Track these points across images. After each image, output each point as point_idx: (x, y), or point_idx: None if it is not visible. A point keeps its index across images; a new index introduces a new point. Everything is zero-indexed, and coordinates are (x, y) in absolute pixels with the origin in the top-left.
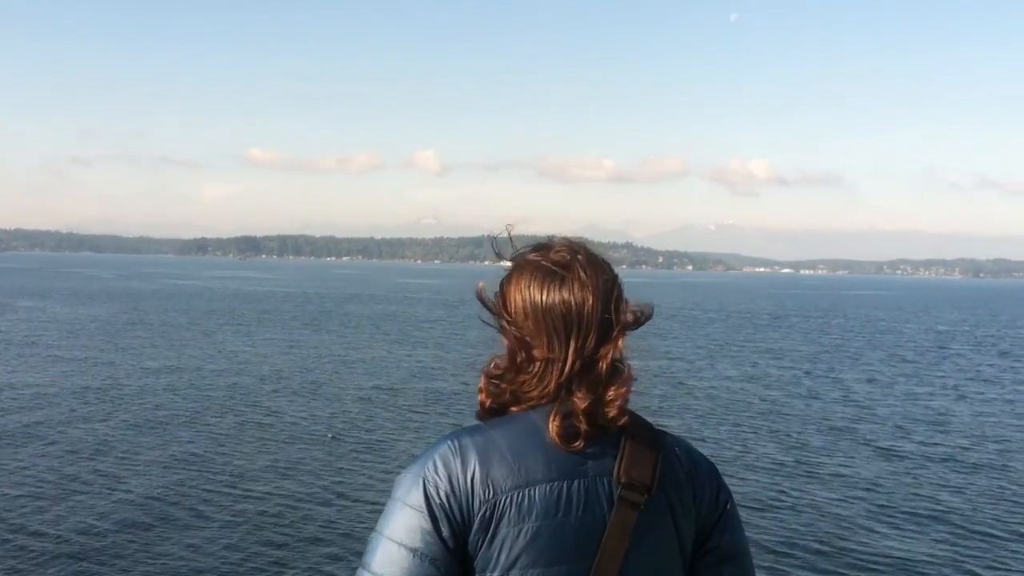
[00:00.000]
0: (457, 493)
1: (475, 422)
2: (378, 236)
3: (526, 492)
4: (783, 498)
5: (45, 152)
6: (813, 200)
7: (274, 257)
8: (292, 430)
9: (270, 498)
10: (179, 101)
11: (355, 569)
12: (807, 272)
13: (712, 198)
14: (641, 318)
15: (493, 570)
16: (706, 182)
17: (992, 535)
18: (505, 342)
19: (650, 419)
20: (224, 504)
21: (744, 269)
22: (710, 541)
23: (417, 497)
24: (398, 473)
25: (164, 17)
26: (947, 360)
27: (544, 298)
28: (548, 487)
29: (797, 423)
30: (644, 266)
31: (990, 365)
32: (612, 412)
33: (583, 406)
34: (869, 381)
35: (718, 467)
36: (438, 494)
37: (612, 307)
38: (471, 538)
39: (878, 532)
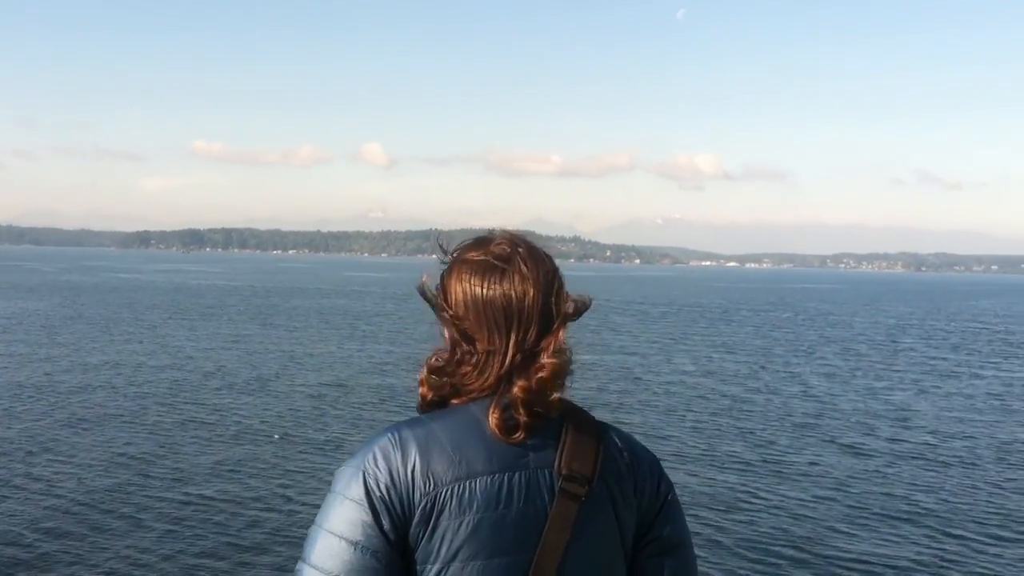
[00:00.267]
0: (397, 486)
1: (416, 414)
2: (325, 229)
3: (467, 484)
4: (753, 498)
5: None
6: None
7: (219, 250)
8: (238, 429)
9: (214, 503)
10: (122, 93)
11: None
12: (752, 265)
13: (659, 192)
14: (581, 309)
15: (434, 562)
16: (653, 176)
17: (966, 536)
18: (446, 335)
19: (610, 416)
20: (165, 511)
21: (691, 263)
22: (651, 532)
23: (357, 490)
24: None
25: (106, 6)
26: (901, 354)
27: (484, 291)
28: (489, 479)
29: (759, 419)
30: (592, 260)
31: (944, 359)
32: (553, 403)
33: (523, 398)
34: (827, 376)
35: (684, 465)
36: (378, 487)
37: (553, 299)
38: (412, 531)
39: (851, 533)
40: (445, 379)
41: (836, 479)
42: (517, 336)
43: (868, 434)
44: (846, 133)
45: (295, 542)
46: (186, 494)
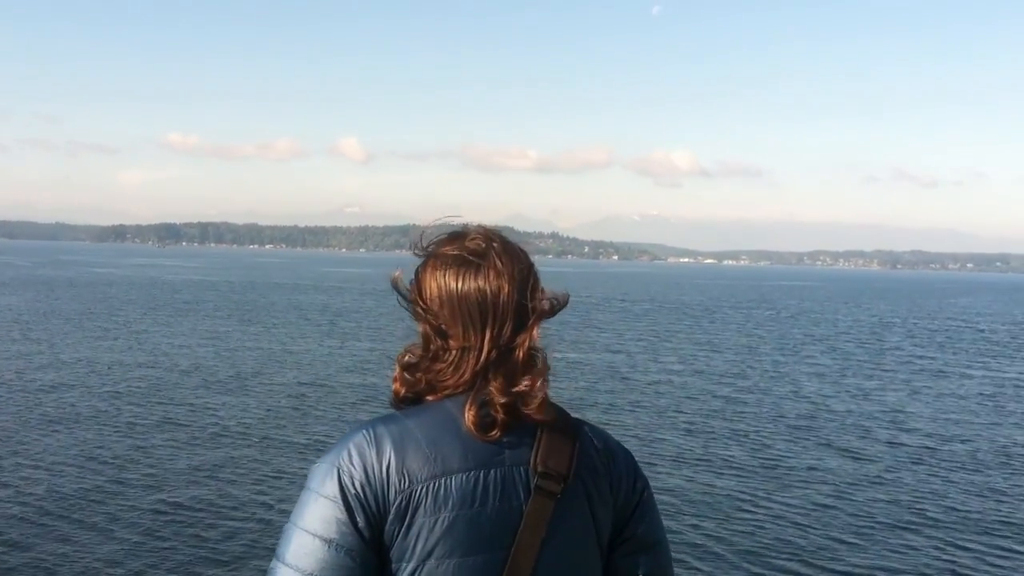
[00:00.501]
0: (372, 483)
1: (390, 411)
2: (302, 224)
3: (442, 482)
4: (753, 506)
5: None
6: (735, 192)
7: (195, 244)
8: (216, 430)
9: (190, 511)
10: (96, 86)
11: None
12: (730, 262)
13: (637, 189)
14: (557, 306)
15: (409, 560)
16: (631, 173)
17: (975, 548)
18: (420, 330)
19: (601, 417)
20: (138, 521)
21: (668, 259)
22: (627, 530)
23: (332, 487)
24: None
25: None
26: (888, 353)
27: (459, 286)
28: (464, 476)
29: (753, 421)
30: (570, 256)
31: (931, 358)
32: (529, 401)
33: (499, 395)
34: (817, 376)
35: (680, 470)
36: (353, 484)
37: (528, 295)
38: (387, 528)
39: (856, 544)
40: (420, 375)
41: (837, 485)
42: (492, 332)
43: (865, 437)
44: (822, 131)
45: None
46: (161, 501)
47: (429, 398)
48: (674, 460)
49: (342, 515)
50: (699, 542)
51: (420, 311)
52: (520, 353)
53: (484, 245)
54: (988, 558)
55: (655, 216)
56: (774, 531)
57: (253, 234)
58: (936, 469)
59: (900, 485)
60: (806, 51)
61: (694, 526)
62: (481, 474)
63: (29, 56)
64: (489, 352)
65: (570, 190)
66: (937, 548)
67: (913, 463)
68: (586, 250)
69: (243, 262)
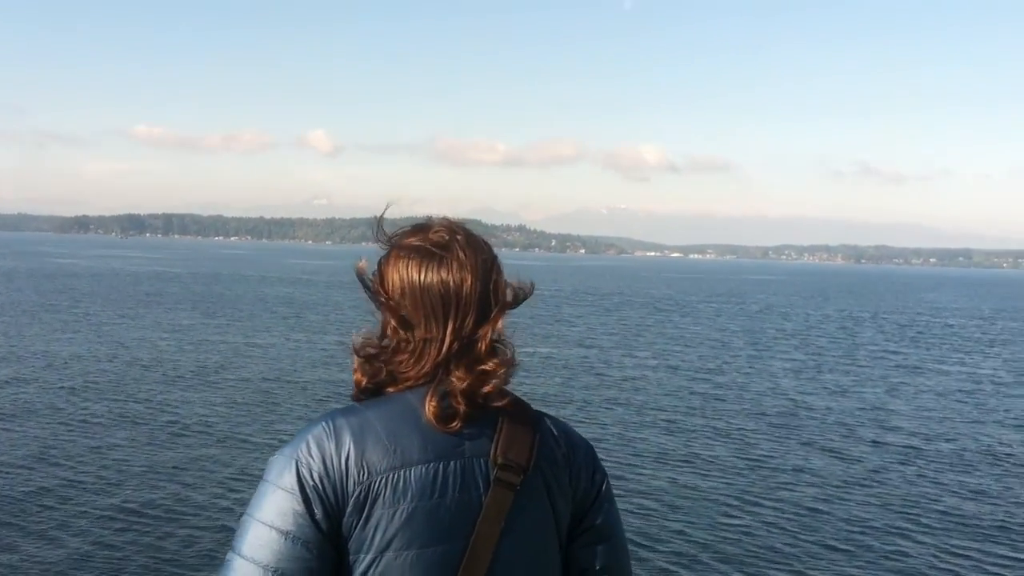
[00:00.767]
0: (331, 475)
1: (350, 403)
2: (268, 216)
3: (401, 473)
4: (740, 511)
5: None
6: (702, 186)
7: (159, 236)
8: (177, 427)
9: (149, 514)
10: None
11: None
12: (696, 256)
13: (604, 182)
14: (520, 297)
15: (367, 552)
16: (599, 167)
17: (975, 557)
18: (382, 321)
19: (578, 414)
20: (87, 529)
21: (636, 253)
22: (585, 521)
23: (290, 479)
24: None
25: None
26: (862, 348)
27: (422, 278)
28: (424, 468)
29: (735, 418)
30: (538, 249)
31: (905, 353)
32: (490, 392)
33: (461, 386)
34: (793, 372)
35: (665, 472)
36: (311, 476)
37: (491, 287)
38: (345, 520)
39: (849, 551)
40: (380, 366)
41: (825, 488)
42: (455, 324)
43: (848, 436)
44: (788, 126)
45: None
46: (115, 506)
47: (390, 389)
48: (657, 460)
49: (299, 507)
50: (684, 549)
51: (383, 302)
52: (482, 345)
53: (448, 237)
54: (986, 565)
55: (623, 210)
56: (763, 537)
57: (218, 226)
58: (925, 470)
59: (889, 487)
60: (774, 48)
61: (680, 532)
62: (440, 466)
63: None
64: (451, 344)
65: (538, 184)
66: (934, 555)
67: (901, 463)
68: (553, 243)
69: (208, 254)
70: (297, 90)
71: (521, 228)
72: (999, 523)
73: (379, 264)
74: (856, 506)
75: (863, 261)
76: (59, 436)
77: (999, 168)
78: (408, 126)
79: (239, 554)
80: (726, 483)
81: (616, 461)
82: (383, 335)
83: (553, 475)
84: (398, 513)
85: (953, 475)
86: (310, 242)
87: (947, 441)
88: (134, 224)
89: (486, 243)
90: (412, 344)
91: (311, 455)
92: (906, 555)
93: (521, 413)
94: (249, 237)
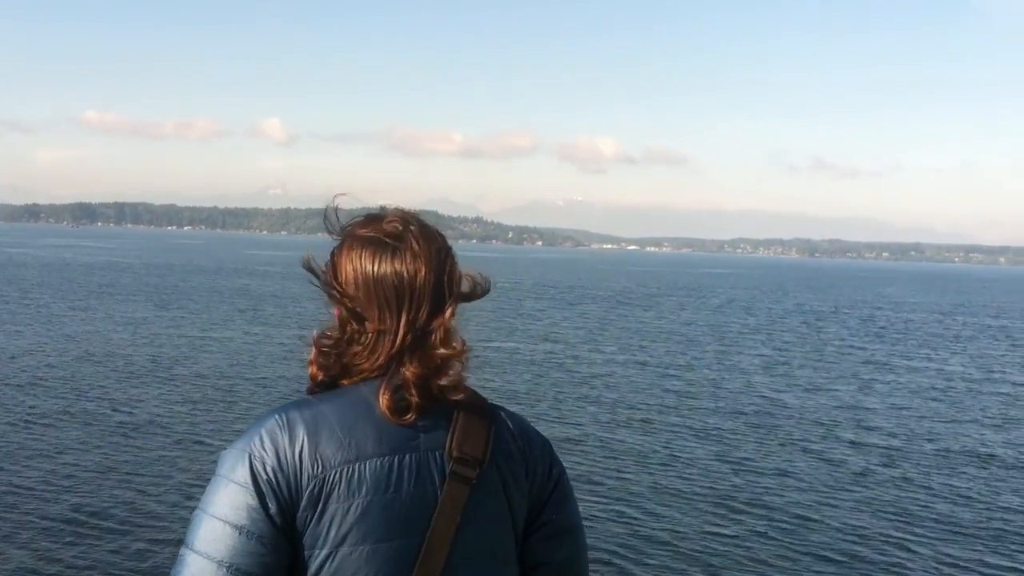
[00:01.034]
0: (285, 469)
1: (303, 395)
2: (222, 205)
3: (356, 467)
4: (729, 520)
5: None
6: (658, 179)
7: (111, 225)
8: (133, 426)
9: (102, 524)
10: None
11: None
12: (652, 249)
13: (561, 174)
14: (476, 289)
15: (322, 547)
16: (555, 159)
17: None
18: (335, 313)
19: (550, 412)
20: (36, 541)
21: (592, 245)
22: (543, 515)
23: (243, 473)
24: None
25: None
26: (829, 344)
27: (376, 269)
28: (379, 462)
29: (711, 418)
30: (495, 241)
31: (873, 349)
32: (445, 384)
33: (414, 378)
34: (764, 368)
35: (645, 472)
36: (265, 470)
37: (445, 278)
38: (299, 515)
39: (842, 562)
40: (335, 359)
41: (811, 492)
42: (408, 315)
43: (828, 437)
44: (744, 120)
45: None
46: (68, 511)
47: (344, 382)
48: (637, 463)
49: (253, 501)
50: (670, 557)
51: (335, 294)
52: (436, 336)
53: (401, 228)
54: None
55: (579, 202)
56: (752, 546)
57: (171, 215)
58: (910, 473)
59: (877, 491)
60: (730, 42)
61: (664, 541)
62: (396, 459)
63: None
64: (405, 335)
65: (495, 175)
66: (933, 567)
67: (884, 466)
68: (510, 235)
69: (162, 244)
70: (252, 78)
71: (478, 220)
72: (995, 532)
73: (332, 255)
74: (846, 512)
75: (817, 255)
76: (4, 437)
77: (949, 163)
78: (364, 116)
79: (192, 549)
80: (710, 488)
81: (594, 463)
82: (338, 327)
83: (509, 469)
84: (353, 507)
85: (941, 479)
86: (265, 232)
87: (929, 441)
88: (86, 213)
89: (440, 234)
90: (366, 336)
91: (264, 449)
92: (903, 566)
93: (477, 406)
94: (203, 227)
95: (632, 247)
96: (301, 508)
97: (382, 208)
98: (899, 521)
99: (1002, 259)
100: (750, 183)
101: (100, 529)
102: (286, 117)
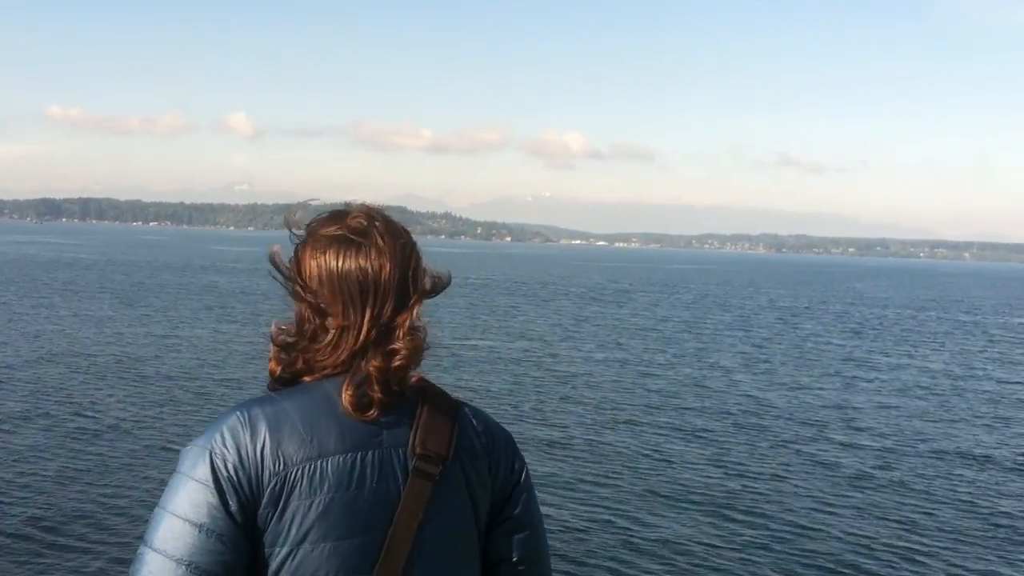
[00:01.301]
0: (246, 466)
1: (265, 392)
2: (188, 201)
3: (318, 464)
4: (731, 533)
5: None
6: (626, 174)
7: (75, 221)
8: (99, 428)
9: (66, 529)
10: None
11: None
12: (621, 245)
13: (530, 170)
14: (439, 285)
15: (283, 544)
16: (524, 154)
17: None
18: (298, 309)
19: (536, 414)
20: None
21: (561, 241)
22: (504, 511)
23: (204, 471)
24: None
25: None
26: (807, 341)
27: (340, 265)
28: (341, 458)
29: (698, 418)
30: (463, 237)
31: (852, 346)
32: (407, 380)
33: (377, 374)
34: (746, 366)
35: (637, 476)
36: (226, 467)
37: (410, 274)
38: (260, 512)
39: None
40: (296, 355)
41: (811, 500)
42: (372, 311)
43: (819, 439)
44: (710, 116)
45: None
46: (28, 519)
47: (307, 379)
48: (627, 466)
49: (214, 499)
50: (668, 572)
51: (299, 290)
52: (400, 332)
53: (366, 223)
54: None
55: (548, 197)
56: (754, 557)
57: (137, 211)
58: (907, 477)
59: (878, 497)
60: (694, 38)
61: (658, 550)
62: (358, 456)
63: None
64: (368, 331)
65: (463, 170)
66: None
67: (881, 469)
68: (479, 231)
69: (127, 239)
70: (217, 72)
71: (447, 215)
72: (1001, 539)
73: (295, 251)
74: (848, 520)
75: (784, 250)
76: None
77: (913, 159)
78: (331, 110)
79: (151, 547)
80: (702, 492)
81: (581, 465)
82: (300, 323)
83: (472, 465)
84: (315, 504)
85: (941, 483)
86: (232, 228)
87: (923, 443)
88: (50, 208)
89: (405, 230)
90: (329, 333)
91: (226, 446)
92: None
93: (440, 402)
94: (169, 223)
95: (601, 243)
96: (262, 506)
97: (347, 204)
98: (898, 526)
99: (967, 254)
100: (717, 179)
101: (57, 546)
102: (252, 111)
